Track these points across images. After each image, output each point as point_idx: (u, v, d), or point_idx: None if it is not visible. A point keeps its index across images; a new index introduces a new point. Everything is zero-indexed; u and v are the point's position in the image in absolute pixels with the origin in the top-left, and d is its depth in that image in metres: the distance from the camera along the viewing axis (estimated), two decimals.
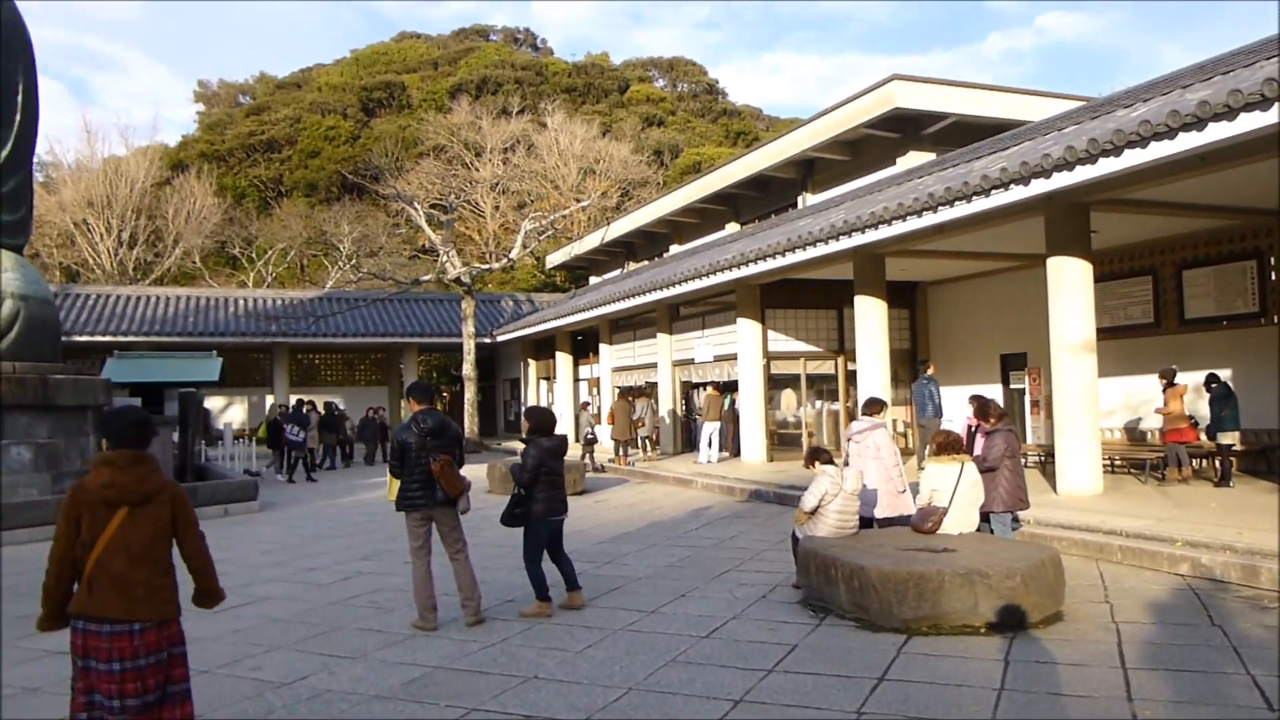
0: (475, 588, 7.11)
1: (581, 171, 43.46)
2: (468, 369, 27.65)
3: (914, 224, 11.99)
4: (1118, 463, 14.12)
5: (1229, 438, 12.11)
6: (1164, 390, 12.91)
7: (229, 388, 29.19)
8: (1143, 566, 8.21)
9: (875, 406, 8.94)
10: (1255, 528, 8.50)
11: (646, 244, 30.64)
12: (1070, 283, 11.50)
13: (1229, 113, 7.84)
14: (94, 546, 3.72)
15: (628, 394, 21.10)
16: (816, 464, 7.88)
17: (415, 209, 29.98)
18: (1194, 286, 14.05)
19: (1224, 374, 13.04)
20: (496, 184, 41.85)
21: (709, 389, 19.43)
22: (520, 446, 7.74)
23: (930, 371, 15.48)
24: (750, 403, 18.44)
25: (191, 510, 4.01)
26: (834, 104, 19.95)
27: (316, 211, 45.48)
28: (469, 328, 27.23)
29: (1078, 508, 10.36)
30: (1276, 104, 7.49)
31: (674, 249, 27.87)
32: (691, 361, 21.38)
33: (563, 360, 29.06)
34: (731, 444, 19.89)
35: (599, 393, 26.29)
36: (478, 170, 41.80)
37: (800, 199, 22.22)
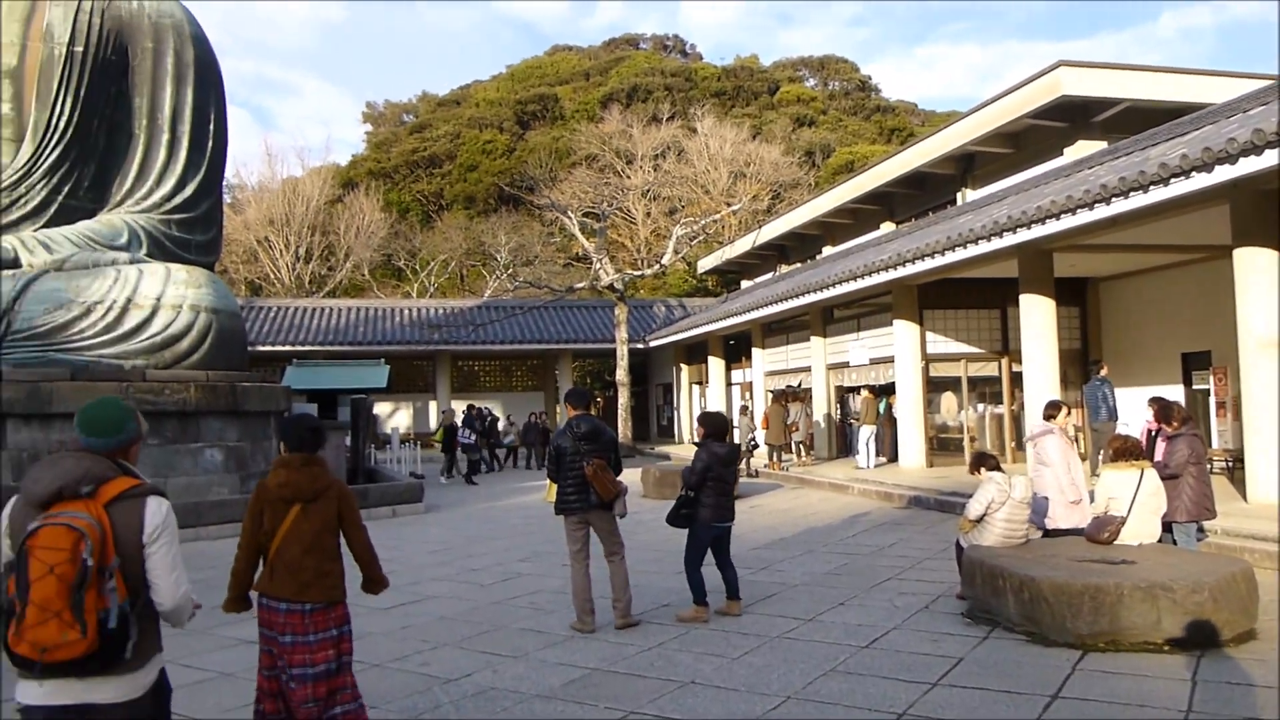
0: (626, 590, 7.16)
1: (732, 175, 43.36)
2: (621, 374, 28.00)
3: (1085, 217, 11.37)
4: None
5: None
6: None
7: (395, 394, 30.50)
8: None
9: (1050, 409, 8.49)
10: None
11: (799, 246, 30.27)
12: (1260, 274, 10.66)
13: None
14: (274, 537, 4.19)
15: (782, 398, 20.88)
16: (982, 470, 7.56)
17: (569, 218, 30.64)
18: None
19: None
20: (647, 191, 42.28)
21: (864, 392, 19.00)
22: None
23: (1103, 372, 14.64)
24: (908, 406, 17.93)
25: (355, 506, 4.41)
26: (995, 95, 19.17)
27: (475, 223, 47.08)
28: (622, 333, 27.58)
29: (1270, 517, 9.55)
30: None
31: (827, 250, 27.41)
32: (846, 365, 20.98)
33: (715, 365, 29.05)
34: (889, 449, 19.40)
35: (751, 397, 26.15)
36: (629, 178, 42.34)
37: (959, 195, 21.47)
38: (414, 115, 68.09)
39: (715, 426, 7.58)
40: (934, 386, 18.45)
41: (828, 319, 21.83)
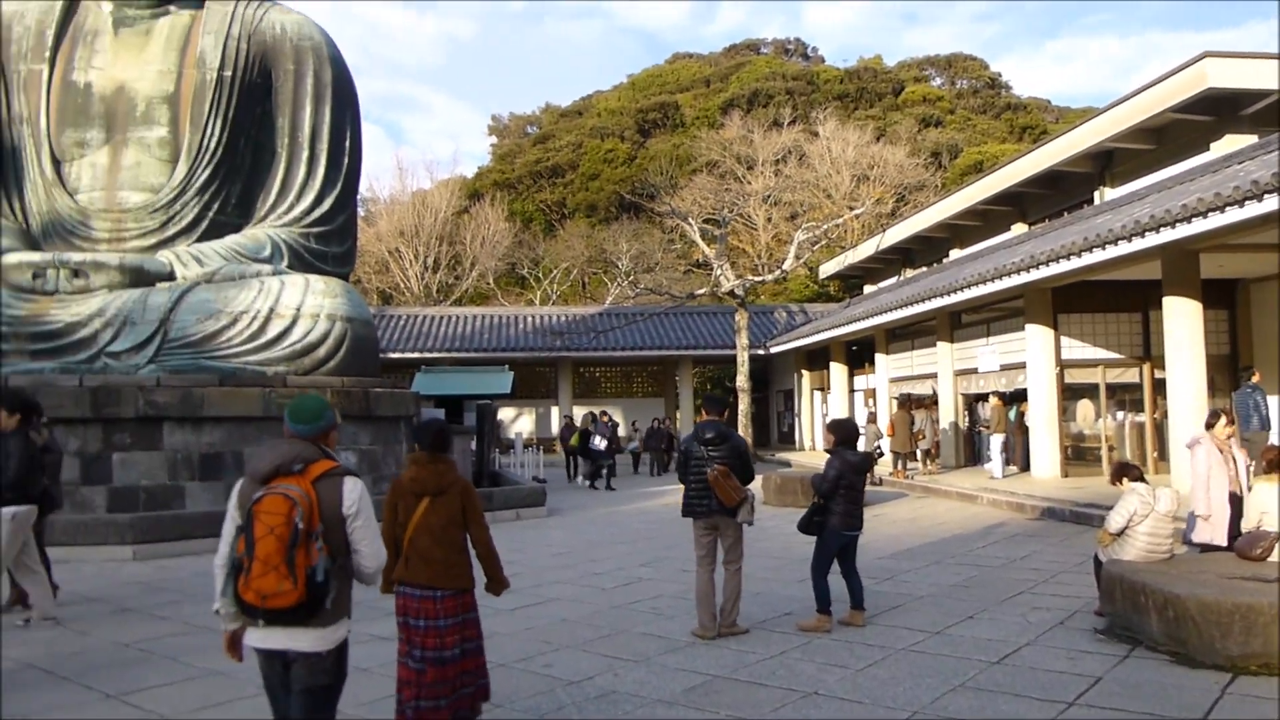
0: (736, 601, 7.15)
1: (855, 178, 42.68)
2: (742, 380, 27.84)
3: (1234, 215, 10.75)
4: None
5: None
6: None
7: (518, 399, 31.08)
8: None
9: (1210, 418, 7.99)
10: None
11: (924, 250, 29.56)
12: None
13: None
14: (407, 528, 4.62)
15: (907, 405, 20.41)
16: (1124, 480, 7.22)
17: (689, 224, 30.67)
18: None
19: None
20: (768, 196, 41.99)
21: (993, 399, 18.41)
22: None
23: (1255, 379, 13.76)
24: (1041, 414, 17.28)
25: (478, 503, 4.80)
26: (1135, 89, 18.31)
27: (597, 231, 47.69)
28: (743, 340, 27.43)
29: None
30: None
31: (954, 254, 26.67)
32: (975, 371, 20.36)
33: (837, 371, 28.63)
34: (1020, 458, 18.72)
35: (875, 404, 25.66)
36: (749, 183, 42.16)
37: (1096, 194, 20.58)
38: (537, 127, 69.52)
39: (845, 433, 7.56)
40: (1070, 393, 17.73)
41: (955, 324, 21.25)
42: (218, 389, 13.12)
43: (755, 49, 76.87)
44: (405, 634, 4.61)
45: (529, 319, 34.45)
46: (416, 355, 29.88)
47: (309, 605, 3.44)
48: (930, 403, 21.69)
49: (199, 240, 15.22)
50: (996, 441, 17.79)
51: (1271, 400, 13.55)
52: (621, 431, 27.48)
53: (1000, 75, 69.74)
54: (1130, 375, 17.66)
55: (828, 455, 7.54)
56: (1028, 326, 17.51)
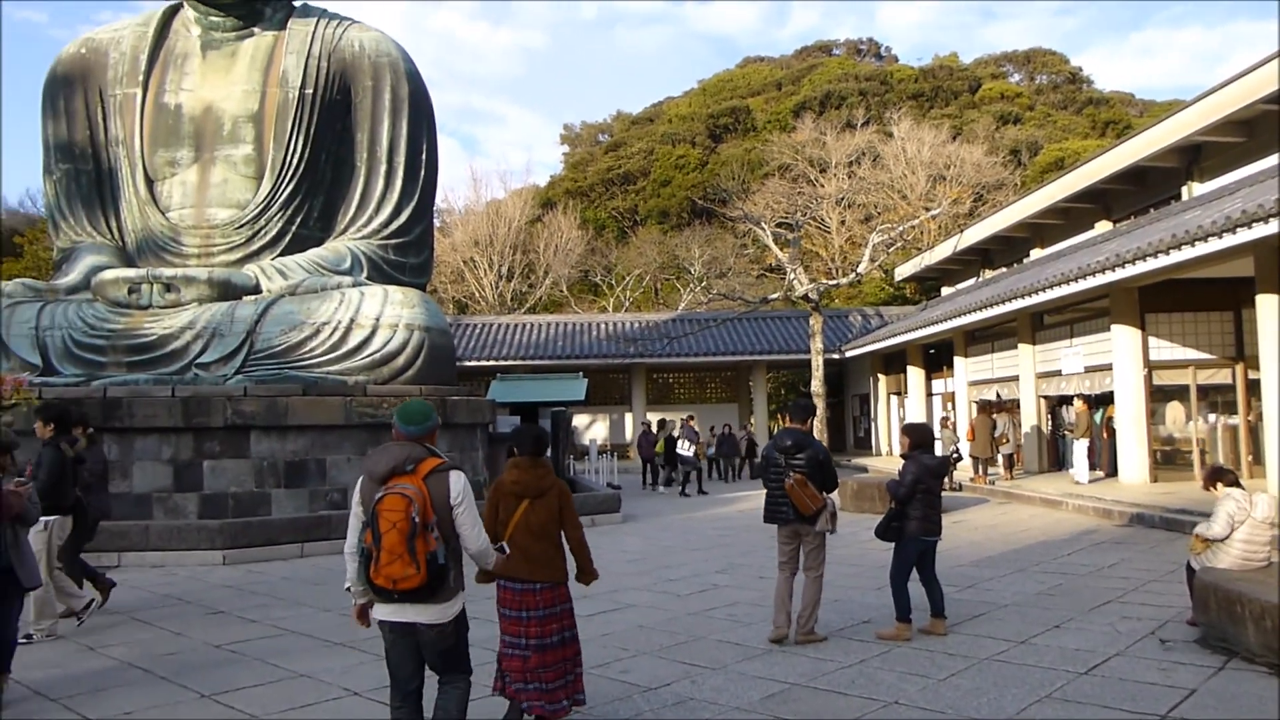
0: (814, 609, 7.10)
1: (931, 179, 41.96)
2: (816, 385, 27.58)
3: None
4: None
5: None
6: None
7: (592, 406, 31.25)
8: None
9: None
10: None
11: (1003, 250, 28.92)
12: None
13: None
14: (508, 526, 5.00)
15: (988, 409, 19.99)
16: (1219, 485, 6.98)
17: (762, 229, 30.51)
18: None
19: None
20: (842, 198, 41.55)
21: (1077, 403, 17.91)
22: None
23: None
24: (1129, 417, 16.77)
25: (573, 505, 5.19)
26: (1223, 80, 17.66)
27: (669, 237, 47.73)
28: (817, 344, 27.17)
29: None
30: None
31: (1035, 253, 26.04)
32: (1058, 374, 19.85)
33: (914, 374, 28.18)
34: (1106, 463, 18.18)
35: (953, 408, 25.18)
36: (823, 186, 41.77)
37: (1184, 189, 19.90)
38: (609, 134, 69.92)
39: (921, 437, 7.48)
40: (1158, 395, 17.17)
41: (1037, 325, 20.75)
42: (301, 398, 13.48)
43: (827, 50, 76.18)
44: (505, 625, 5.00)
45: (602, 326, 34.65)
46: (492, 363, 30.28)
47: (431, 585, 4.03)
48: (1012, 406, 21.23)
49: (283, 254, 15.69)
50: (1081, 446, 17.31)
51: None
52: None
53: (1081, 69, 67.98)
54: (1222, 376, 17.03)
55: (903, 460, 7.45)
56: (1113, 327, 17.01)
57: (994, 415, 19.51)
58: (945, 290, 33.53)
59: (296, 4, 17.21)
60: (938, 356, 27.19)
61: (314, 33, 16.52)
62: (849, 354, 31.36)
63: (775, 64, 74.90)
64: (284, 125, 15.94)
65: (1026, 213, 25.54)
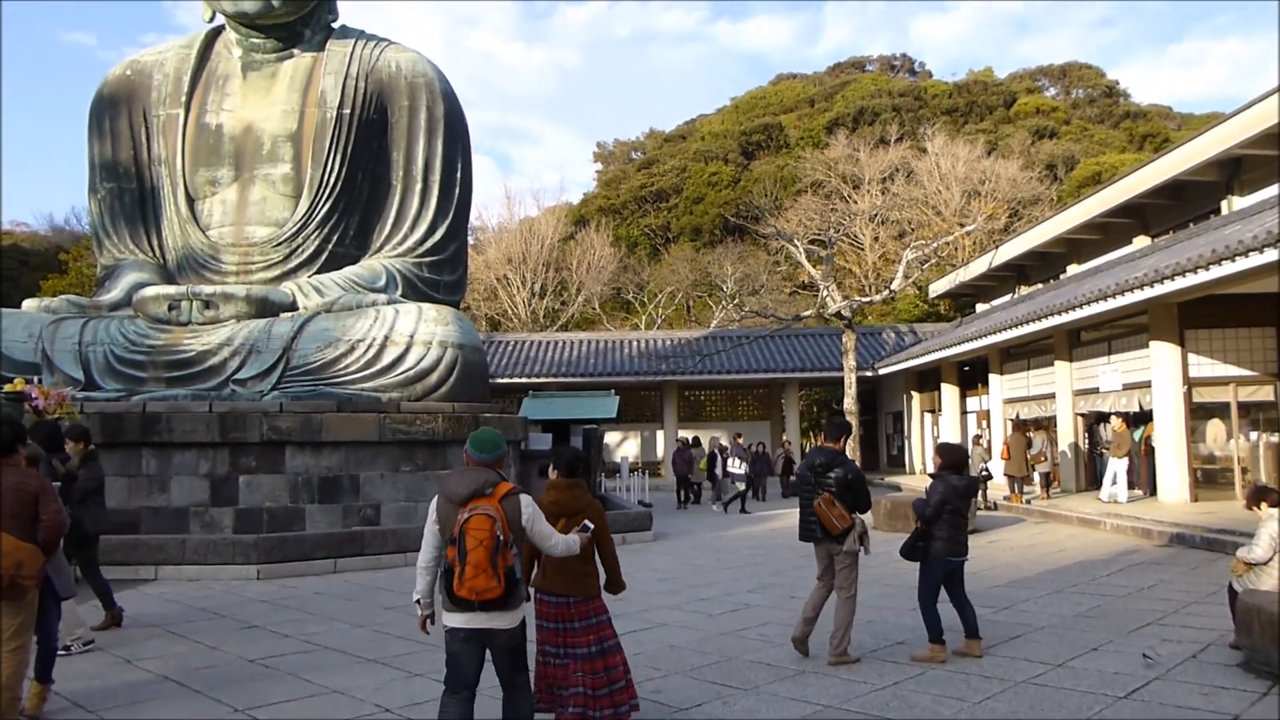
0: (846, 630, 7.03)
1: (965, 194, 41.67)
2: (849, 403, 27.44)
3: None
4: None
5: None
6: None
7: (624, 423, 31.27)
8: None
9: None
10: None
11: (1039, 266, 28.63)
12: None
13: None
14: None
15: (1024, 427, 19.74)
16: (1263, 505, 6.84)
17: (795, 246, 30.45)
18: None
19: None
20: (875, 215, 41.35)
21: (1115, 421, 17.65)
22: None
23: None
24: (1168, 435, 16.50)
25: (606, 522, 5.44)
26: (1264, 92, 17.41)
27: (701, 254, 47.75)
28: (850, 361, 27.05)
29: None
30: None
31: (1071, 269, 25.75)
32: (1095, 391, 19.58)
33: (948, 392, 27.93)
34: (1145, 482, 17.89)
35: (988, 426, 24.90)
36: (856, 202, 41.62)
37: (1224, 203, 19.61)
38: (642, 152, 70.20)
39: (954, 458, 7.44)
40: (1198, 413, 16.89)
41: (1074, 342, 20.51)
42: (335, 414, 13.60)
43: (860, 67, 76.07)
44: (543, 636, 5.29)
45: (634, 343, 34.69)
46: (524, 380, 30.41)
47: (507, 595, 4.48)
48: (1047, 424, 20.96)
49: (319, 271, 15.89)
50: (1120, 464, 17.05)
51: None
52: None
53: (1118, 83, 67.31)
54: (1264, 393, 16.72)
55: (930, 479, 7.40)
56: (1152, 344, 16.78)
57: (1030, 433, 19.28)
58: (980, 307, 33.23)
59: (335, 26, 17.48)
60: (972, 374, 26.94)
61: (352, 54, 16.76)
62: (882, 371, 31.15)
63: (808, 81, 74.88)
64: (322, 145, 16.18)
65: (1063, 228, 25.28)
